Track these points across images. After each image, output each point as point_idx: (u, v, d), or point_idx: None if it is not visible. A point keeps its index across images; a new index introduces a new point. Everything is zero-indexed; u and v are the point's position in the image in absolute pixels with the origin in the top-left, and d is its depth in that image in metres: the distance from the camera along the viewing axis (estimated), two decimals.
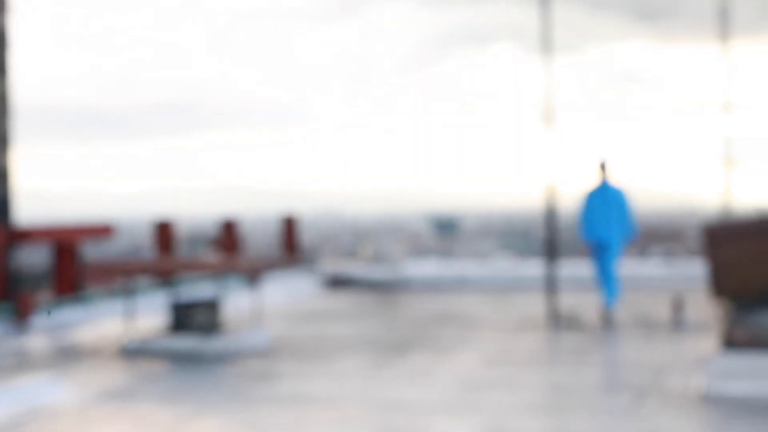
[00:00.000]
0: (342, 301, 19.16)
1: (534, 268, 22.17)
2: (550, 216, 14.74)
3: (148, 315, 15.45)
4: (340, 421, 8.38)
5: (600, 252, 14.56)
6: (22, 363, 11.72)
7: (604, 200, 14.49)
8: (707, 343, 10.98)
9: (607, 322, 14.17)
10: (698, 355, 10.76)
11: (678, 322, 14.21)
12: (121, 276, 13.32)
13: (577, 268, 22.98)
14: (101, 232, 18.17)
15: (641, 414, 8.47)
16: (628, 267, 23.15)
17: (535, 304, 16.39)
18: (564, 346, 12.60)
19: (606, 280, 14.57)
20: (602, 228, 14.43)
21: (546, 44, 14.77)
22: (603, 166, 14.51)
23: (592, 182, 14.63)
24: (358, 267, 23.09)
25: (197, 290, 18.02)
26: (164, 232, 19.32)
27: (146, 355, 12.43)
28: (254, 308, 14.66)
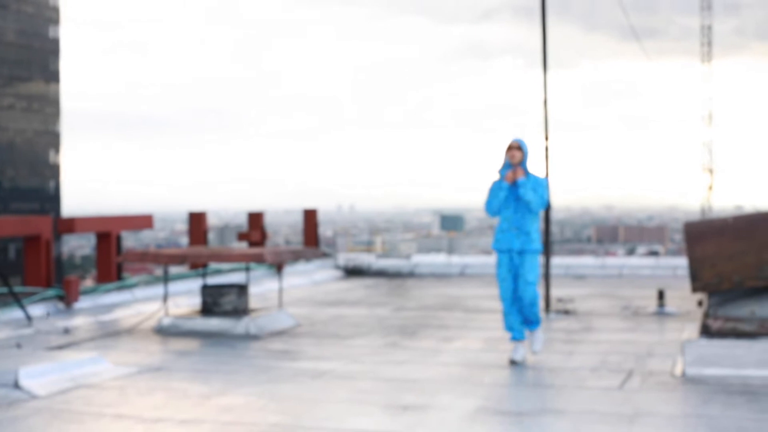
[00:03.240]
0: (357, 288, 19.19)
1: None
2: (547, 216, 14.75)
3: (182, 298, 15.52)
4: (355, 396, 8.42)
5: (508, 265, 10.21)
6: (69, 341, 11.79)
7: (516, 195, 10.23)
8: (688, 331, 10.99)
9: (514, 363, 10.02)
10: (679, 342, 10.78)
11: (661, 312, 14.23)
12: (157, 263, 13.38)
13: (568, 260, 23.02)
14: (141, 222, 18.24)
15: (625, 393, 8.50)
16: (617, 262, 23.21)
17: None
18: (557, 331, 12.62)
19: (516, 306, 10.26)
20: (512, 234, 10.20)
21: (544, 59, 14.78)
22: (519, 148, 10.24)
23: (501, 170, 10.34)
24: (372, 257, 23.13)
25: (227, 276, 18.09)
26: (197, 223, 19.37)
27: (180, 334, 12.49)
28: (278, 293, 14.73)
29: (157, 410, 7.85)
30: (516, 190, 10.23)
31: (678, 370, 9.36)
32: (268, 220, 21.11)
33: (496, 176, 10.33)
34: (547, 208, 14.68)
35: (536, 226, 10.26)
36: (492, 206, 10.34)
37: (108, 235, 16.44)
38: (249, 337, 12.24)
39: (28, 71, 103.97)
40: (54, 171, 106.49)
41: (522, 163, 10.25)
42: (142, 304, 15.02)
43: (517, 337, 10.21)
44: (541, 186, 10.22)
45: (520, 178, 10.16)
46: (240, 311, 13.03)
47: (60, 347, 11.14)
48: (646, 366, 9.80)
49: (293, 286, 18.83)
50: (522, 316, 10.26)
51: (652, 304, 14.81)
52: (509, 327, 10.25)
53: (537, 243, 10.18)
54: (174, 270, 18.32)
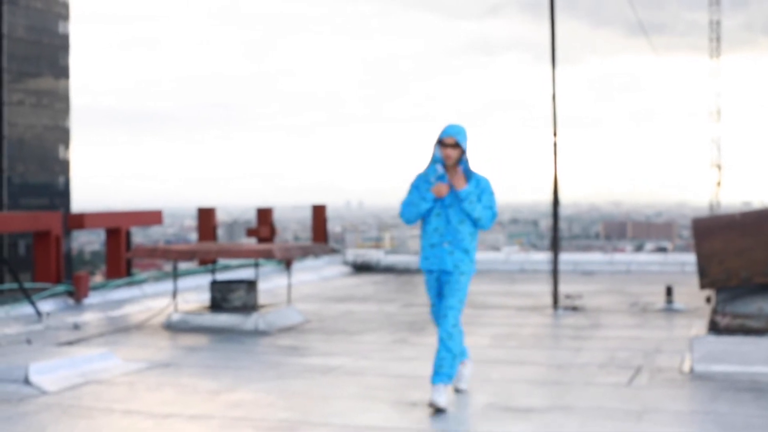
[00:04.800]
0: (366, 284, 19.20)
1: (539, 256, 22.24)
2: (555, 212, 14.74)
3: (191, 294, 15.54)
4: (364, 392, 8.43)
5: (437, 289, 8.07)
6: (79, 337, 11.81)
7: (448, 203, 7.89)
8: (696, 327, 10.98)
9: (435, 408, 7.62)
10: (687, 339, 10.77)
11: (669, 308, 14.21)
12: (167, 259, 13.40)
13: (576, 256, 23.00)
14: (150, 218, 18.27)
15: (633, 390, 8.50)
16: (625, 259, 23.20)
17: (540, 289, 16.41)
18: (565, 327, 12.62)
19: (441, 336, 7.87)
20: (443, 251, 7.91)
21: (552, 55, 14.77)
22: (457, 145, 7.78)
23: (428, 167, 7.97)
24: (381, 254, 23.14)
25: (236, 272, 18.11)
26: (206, 219, 19.38)
27: (189, 330, 12.51)
28: (287, 289, 14.74)
29: (166, 406, 7.86)
30: (446, 199, 7.86)
31: (686, 367, 9.35)
32: (277, 216, 21.12)
33: (431, 170, 7.90)
34: (555, 204, 14.64)
35: (475, 243, 8.00)
36: (408, 214, 7.95)
37: (117, 230, 16.46)
38: (258, 333, 12.25)
39: (38, 67, 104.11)
40: (64, 167, 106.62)
41: (461, 162, 7.84)
42: (151, 300, 15.04)
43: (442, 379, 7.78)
44: (487, 192, 7.88)
45: (462, 188, 7.77)
46: (249, 307, 13.04)
47: (70, 343, 11.16)
48: (654, 362, 9.80)
49: (302, 282, 18.84)
50: None
51: (660, 301, 14.79)
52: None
53: (473, 264, 8.02)
54: (183, 266, 18.35)
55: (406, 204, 7.94)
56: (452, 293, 7.86)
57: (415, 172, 8.02)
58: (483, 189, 7.87)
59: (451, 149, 7.75)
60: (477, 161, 7.89)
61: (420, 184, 7.92)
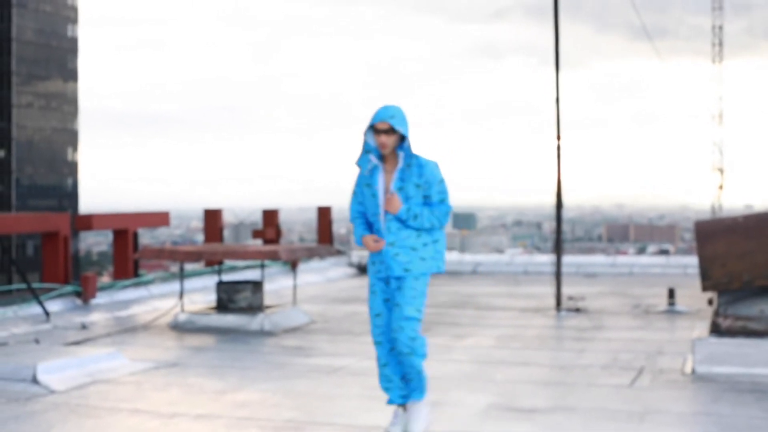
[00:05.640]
0: None
1: (543, 258, 22.24)
2: (558, 215, 14.74)
3: (198, 295, 15.56)
4: (369, 392, 8.42)
5: (383, 294, 6.69)
6: (86, 336, 11.82)
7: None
8: (698, 329, 10.97)
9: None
10: (689, 340, 10.76)
11: (672, 310, 14.20)
12: (173, 260, 13.41)
13: (579, 259, 22.99)
14: (157, 219, 18.28)
15: (636, 391, 8.49)
16: (627, 261, 23.19)
17: (543, 291, 16.40)
18: (568, 329, 12.61)
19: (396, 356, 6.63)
20: (388, 252, 6.52)
21: (556, 59, 14.76)
22: (392, 131, 6.41)
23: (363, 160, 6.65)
24: None
25: (242, 273, 18.12)
26: (213, 220, 19.39)
27: (195, 330, 12.51)
28: (292, 290, 14.74)
29: (172, 405, 7.87)
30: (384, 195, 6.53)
31: (688, 368, 9.34)
32: (283, 218, 21.13)
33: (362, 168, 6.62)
34: (558, 206, 14.63)
35: (428, 238, 6.57)
36: (352, 211, 6.78)
37: (125, 232, 16.47)
38: (263, 333, 12.25)
39: (47, 70, 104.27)
40: (72, 168, 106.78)
41: (401, 147, 6.44)
42: (158, 301, 15.05)
43: (395, 400, 6.69)
44: (435, 180, 6.48)
45: (397, 210, 6.41)
46: (255, 308, 13.04)
47: (77, 343, 11.17)
48: (656, 364, 9.79)
49: (307, 283, 18.84)
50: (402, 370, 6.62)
51: (662, 303, 14.77)
52: (385, 384, 6.71)
53: (429, 262, 6.57)
54: (190, 267, 18.36)
55: (351, 203, 6.75)
56: (407, 301, 6.52)
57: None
58: (429, 179, 6.47)
59: (385, 136, 6.40)
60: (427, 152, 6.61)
61: (360, 189, 6.66)
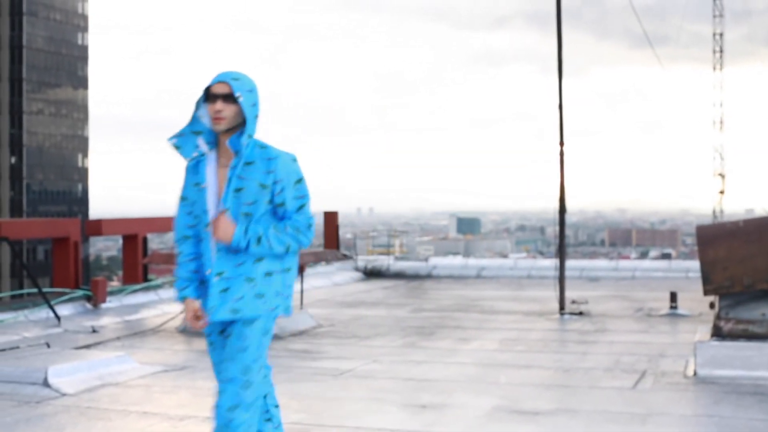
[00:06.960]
0: (376, 289, 19.20)
1: (546, 263, 22.24)
2: (561, 220, 14.73)
3: None
4: (375, 395, 8.42)
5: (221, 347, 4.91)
6: (96, 340, 11.83)
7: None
8: (700, 332, 10.95)
9: None
10: (691, 343, 10.75)
11: (674, 314, 14.19)
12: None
13: (582, 263, 22.98)
14: (166, 224, 18.29)
15: (638, 393, 8.48)
16: (630, 265, 23.18)
17: (547, 295, 16.39)
18: (571, 332, 12.60)
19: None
20: (215, 288, 4.65)
21: (559, 66, 14.76)
22: (232, 98, 4.49)
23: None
24: (391, 260, 23.14)
25: None
26: None
27: (203, 334, 12.50)
28: (299, 294, 14.74)
29: (181, 408, 7.87)
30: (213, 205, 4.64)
31: (690, 371, 9.33)
32: None
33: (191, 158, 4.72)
34: (561, 211, 14.63)
35: (284, 264, 4.73)
36: (176, 230, 4.82)
37: (134, 237, 16.49)
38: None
39: (57, 77, 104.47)
40: (82, 174, 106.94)
41: (242, 133, 4.58)
42: (167, 305, 15.06)
43: None
44: (291, 179, 4.61)
45: (227, 238, 4.53)
46: None
47: (87, 346, 11.18)
48: (658, 367, 9.77)
49: (314, 287, 18.85)
50: None
51: (664, 306, 14.76)
52: None
53: (270, 300, 4.68)
54: None
55: (176, 215, 4.84)
56: (232, 355, 4.73)
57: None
58: (281, 179, 4.58)
59: (222, 102, 4.49)
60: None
61: (189, 192, 4.74)
